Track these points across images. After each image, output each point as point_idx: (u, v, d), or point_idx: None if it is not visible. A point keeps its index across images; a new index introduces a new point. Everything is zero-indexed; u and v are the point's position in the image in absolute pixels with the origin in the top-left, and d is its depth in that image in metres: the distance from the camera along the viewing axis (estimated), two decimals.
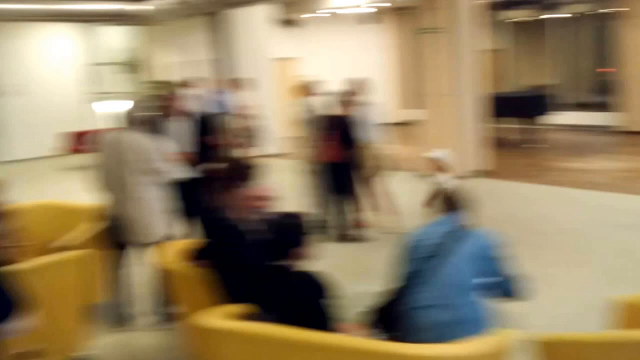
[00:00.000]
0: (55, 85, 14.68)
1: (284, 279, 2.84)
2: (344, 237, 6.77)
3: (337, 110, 6.70)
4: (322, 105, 6.97)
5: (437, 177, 5.77)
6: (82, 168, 12.49)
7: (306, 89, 7.44)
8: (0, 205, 4.50)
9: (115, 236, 4.50)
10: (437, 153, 6.03)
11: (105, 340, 4.54)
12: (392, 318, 2.96)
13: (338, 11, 15.10)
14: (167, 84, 11.39)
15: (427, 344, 2.69)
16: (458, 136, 9.77)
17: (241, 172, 3.37)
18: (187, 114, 5.40)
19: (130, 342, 4.66)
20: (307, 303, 2.78)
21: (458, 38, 9.77)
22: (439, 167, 5.84)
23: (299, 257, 2.90)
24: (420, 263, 2.99)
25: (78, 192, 8.84)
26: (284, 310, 2.73)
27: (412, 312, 2.93)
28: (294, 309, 2.74)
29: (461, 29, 9.79)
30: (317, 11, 14.42)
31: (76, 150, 12.81)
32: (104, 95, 15.57)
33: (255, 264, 2.97)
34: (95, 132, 13.34)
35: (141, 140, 4.51)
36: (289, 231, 2.92)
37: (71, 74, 14.95)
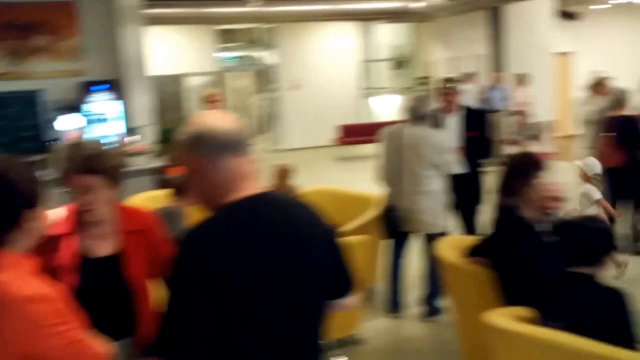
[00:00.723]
0: (332, 80, 15.61)
1: (585, 288, 2.65)
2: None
3: (623, 110, 6.11)
4: (609, 103, 6.42)
5: None
6: (355, 158, 13.31)
7: (600, 87, 6.91)
8: (292, 189, 4.93)
9: (395, 226, 4.64)
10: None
11: (374, 325, 4.72)
12: None
13: (635, 1, 13.68)
14: (443, 80, 11.48)
15: None
16: None
17: (531, 167, 3.21)
18: (461, 109, 5.37)
19: (398, 329, 4.79)
20: (609, 316, 2.56)
21: None
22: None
23: (603, 265, 2.68)
24: None
25: (351, 180, 9.36)
26: (579, 320, 2.56)
27: None
28: (592, 319, 2.55)
29: None
30: (609, 2, 13.24)
31: (350, 142, 13.59)
32: (379, 90, 16.23)
33: (549, 269, 2.82)
34: (373, 126, 14.04)
35: (428, 134, 4.59)
36: (595, 237, 2.70)
37: (348, 69, 15.79)
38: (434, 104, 4.83)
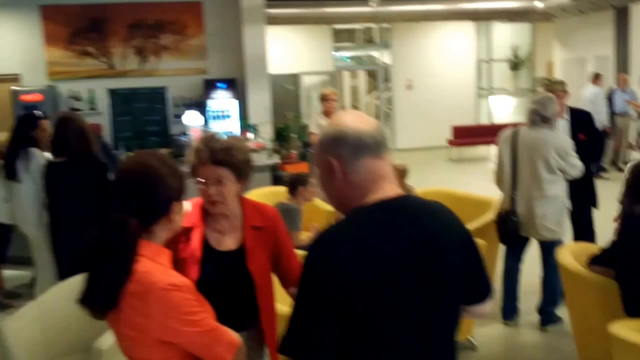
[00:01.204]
0: (446, 80, 15.38)
1: None
2: None
3: None
4: None
5: None
6: (468, 160, 13.08)
7: None
8: (410, 189, 4.92)
9: (512, 231, 4.53)
10: None
11: (487, 331, 4.63)
12: None
13: None
14: (559, 82, 11.03)
15: None
16: None
17: None
18: (574, 112, 5.13)
19: (512, 337, 4.67)
20: None
21: None
22: None
23: None
24: None
25: (464, 183, 9.21)
26: None
27: None
28: None
29: None
30: None
31: (463, 143, 13.36)
32: (495, 91, 15.84)
33: None
34: (487, 127, 13.72)
35: (552, 136, 4.45)
36: None
37: (463, 69, 15.51)
38: (554, 106, 4.65)
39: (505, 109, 15.68)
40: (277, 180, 7.36)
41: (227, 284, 2.26)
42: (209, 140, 2.27)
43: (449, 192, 5.84)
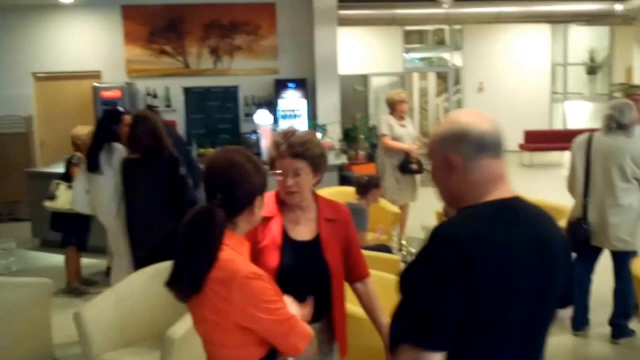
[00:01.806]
0: (519, 83, 15.05)
1: None
2: None
3: None
4: None
5: None
6: (540, 166, 12.78)
7: None
8: None
9: (584, 239, 4.42)
10: None
11: (556, 341, 4.53)
12: None
13: None
14: (638, 87, 10.64)
15: None
16: None
17: None
18: None
19: (582, 348, 4.56)
20: None
21: None
22: None
23: None
24: None
25: (536, 189, 9.00)
26: None
27: None
28: None
29: None
30: None
31: (535, 148, 13.06)
32: (571, 96, 15.41)
33: None
34: (560, 133, 13.35)
35: (629, 144, 4.32)
36: None
37: (537, 73, 15.16)
38: (632, 113, 4.50)
39: (580, 115, 15.23)
40: (343, 181, 7.41)
41: (304, 272, 2.36)
42: (289, 134, 2.38)
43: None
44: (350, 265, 2.50)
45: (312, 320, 2.23)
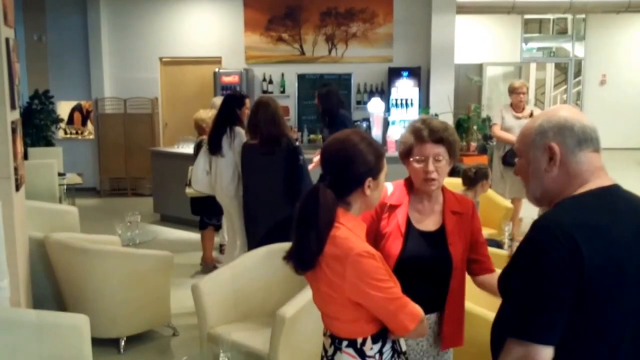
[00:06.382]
0: None
1: None
2: None
3: None
4: None
5: None
6: None
7: None
8: None
9: None
10: None
11: None
12: None
13: None
14: None
15: None
16: None
17: None
18: None
19: None
20: None
21: None
22: None
23: None
24: None
25: None
26: None
27: None
28: None
29: None
30: None
31: None
32: None
33: None
34: None
35: None
36: None
37: None
38: None
39: None
40: (452, 172, 7.30)
41: (426, 262, 2.36)
42: (428, 120, 2.41)
43: None
44: (476, 258, 2.47)
45: (429, 310, 2.25)
